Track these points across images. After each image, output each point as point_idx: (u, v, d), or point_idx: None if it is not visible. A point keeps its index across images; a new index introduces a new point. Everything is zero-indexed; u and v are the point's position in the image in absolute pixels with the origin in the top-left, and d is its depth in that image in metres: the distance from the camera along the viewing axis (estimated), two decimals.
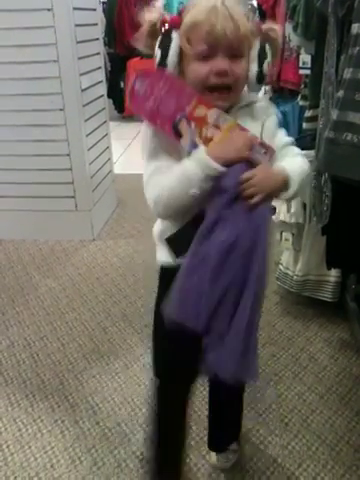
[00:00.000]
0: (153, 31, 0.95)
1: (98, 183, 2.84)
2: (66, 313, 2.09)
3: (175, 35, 0.93)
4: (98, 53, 2.86)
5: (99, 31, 2.93)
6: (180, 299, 0.92)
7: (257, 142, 0.93)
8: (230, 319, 0.91)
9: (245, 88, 1.00)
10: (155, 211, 0.98)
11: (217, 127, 0.92)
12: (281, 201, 0.95)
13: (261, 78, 0.96)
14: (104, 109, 2.97)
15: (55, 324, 2.01)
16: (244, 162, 0.90)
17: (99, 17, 2.99)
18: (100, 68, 2.89)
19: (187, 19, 0.92)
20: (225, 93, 0.94)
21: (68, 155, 2.58)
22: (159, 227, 1.07)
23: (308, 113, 1.76)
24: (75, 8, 2.39)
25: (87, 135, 2.63)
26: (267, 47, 0.95)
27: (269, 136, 0.99)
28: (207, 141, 0.92)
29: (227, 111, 0.97)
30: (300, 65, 1.86)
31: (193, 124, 0.91)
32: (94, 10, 2.80)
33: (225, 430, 1.38)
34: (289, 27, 1.95)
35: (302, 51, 1.90)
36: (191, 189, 0.90)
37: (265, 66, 0.95)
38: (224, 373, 0.94)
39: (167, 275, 1.04)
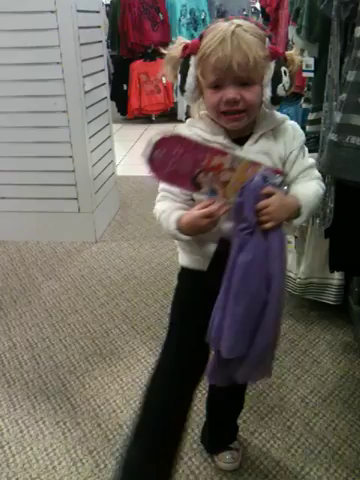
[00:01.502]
0: (174, 62, 1.00)
1: (101, 185, 2.84)
2: (68, 315, 2.09)
3: (193, 61, 0.97)
4: (101, 55, 2.86)
5: (102, 33, 2.93)
6: (215, 333, 1.00)
7: (272, 171, 0.98)
8: (252, 336, 0.99)
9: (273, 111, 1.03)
10: None
11: (232, 170, 0.96)
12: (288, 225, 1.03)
13: (276, 101, 0.98)
14: (107, 111, 2.97)
15: (57, 326, 2.01)
16: (259, 194, 0.95)
17: (102, 19, 3.00)
18: (103, 70, 2.90)
19: (200, 49, 0.95)
20: (238, 115, 0.97)
21: (71, 157, 2.58)
22: None
23: (311, 116, 1.76)
24: (79, 10, 2.40)
25: (90, 137, 2.63)
26: (282, 70, 0.96)
27: (292, 160, 1.04)
28: (224, 185, 0.96)
29: (249, 136, 1.01)
30: (303, 68, 1.85)
31: (210, 173, 0.95)
32: (97, 12, 2.81)
33: (226, 428, 1.38)
34: (292, 30, 1.95)
35: (305, 54, 1.89)
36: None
37: (279, 89, 0.97)
38: (240, 380, 1.08)
39: (186, 274, 1.16)
